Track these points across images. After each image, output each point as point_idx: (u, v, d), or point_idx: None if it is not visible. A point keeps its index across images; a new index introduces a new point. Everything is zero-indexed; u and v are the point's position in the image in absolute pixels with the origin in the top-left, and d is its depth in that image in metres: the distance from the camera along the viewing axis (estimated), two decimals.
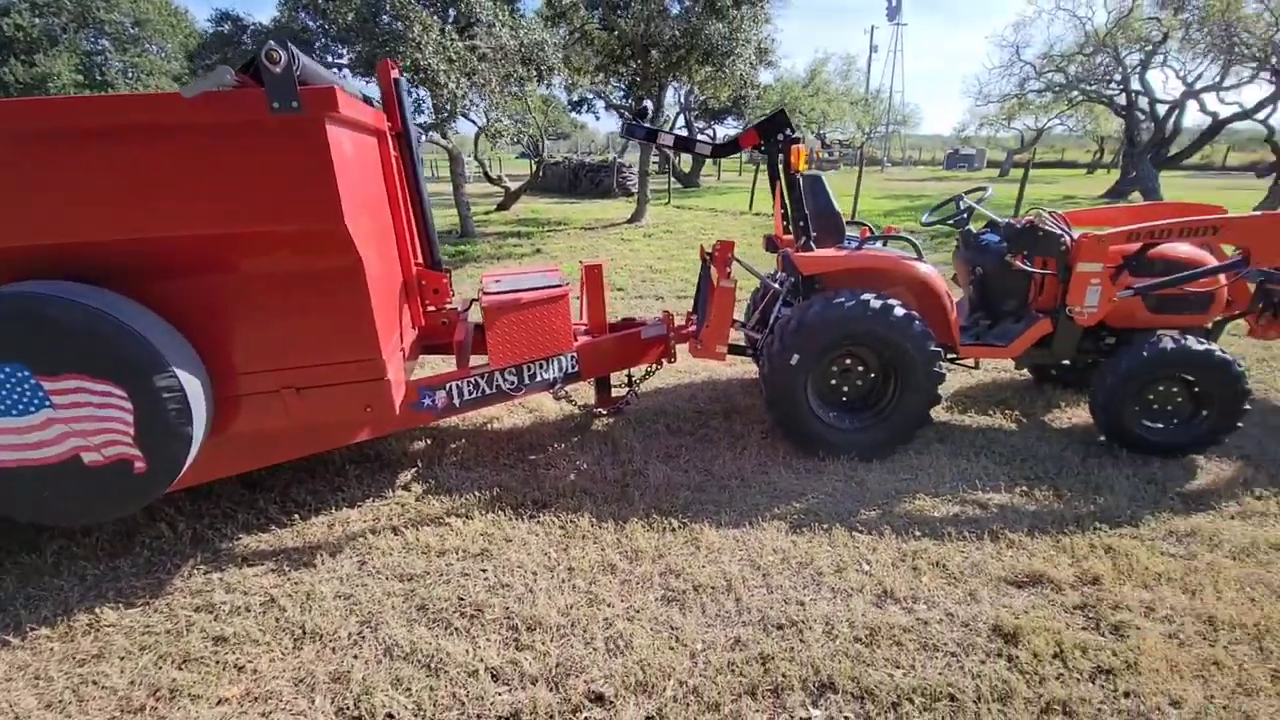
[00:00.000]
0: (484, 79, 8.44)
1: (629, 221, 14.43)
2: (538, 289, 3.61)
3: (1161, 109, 18.61)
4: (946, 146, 49.48)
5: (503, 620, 2.58)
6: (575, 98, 26.31)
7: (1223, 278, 3.88)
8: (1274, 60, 14.69)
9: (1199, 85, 17.66)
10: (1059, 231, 3.75)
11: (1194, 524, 3.14)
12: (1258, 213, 3.63)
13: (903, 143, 55.10)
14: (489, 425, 4.36)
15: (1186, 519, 3.19)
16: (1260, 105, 15.89)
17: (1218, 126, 17.95)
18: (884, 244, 4.00)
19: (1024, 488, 3.48)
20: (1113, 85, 19.38)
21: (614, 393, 4.43)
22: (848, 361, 3.85)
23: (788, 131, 3.66)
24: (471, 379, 3.57)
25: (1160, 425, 3.82)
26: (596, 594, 2.73)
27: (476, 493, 3.48)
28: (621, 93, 15.89)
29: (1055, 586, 2.73)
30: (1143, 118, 19.12)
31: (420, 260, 3.79)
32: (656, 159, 28.19)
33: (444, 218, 15.23)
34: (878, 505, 3.35)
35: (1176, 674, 2.27)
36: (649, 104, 5.51)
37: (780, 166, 3.86)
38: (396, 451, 3.97)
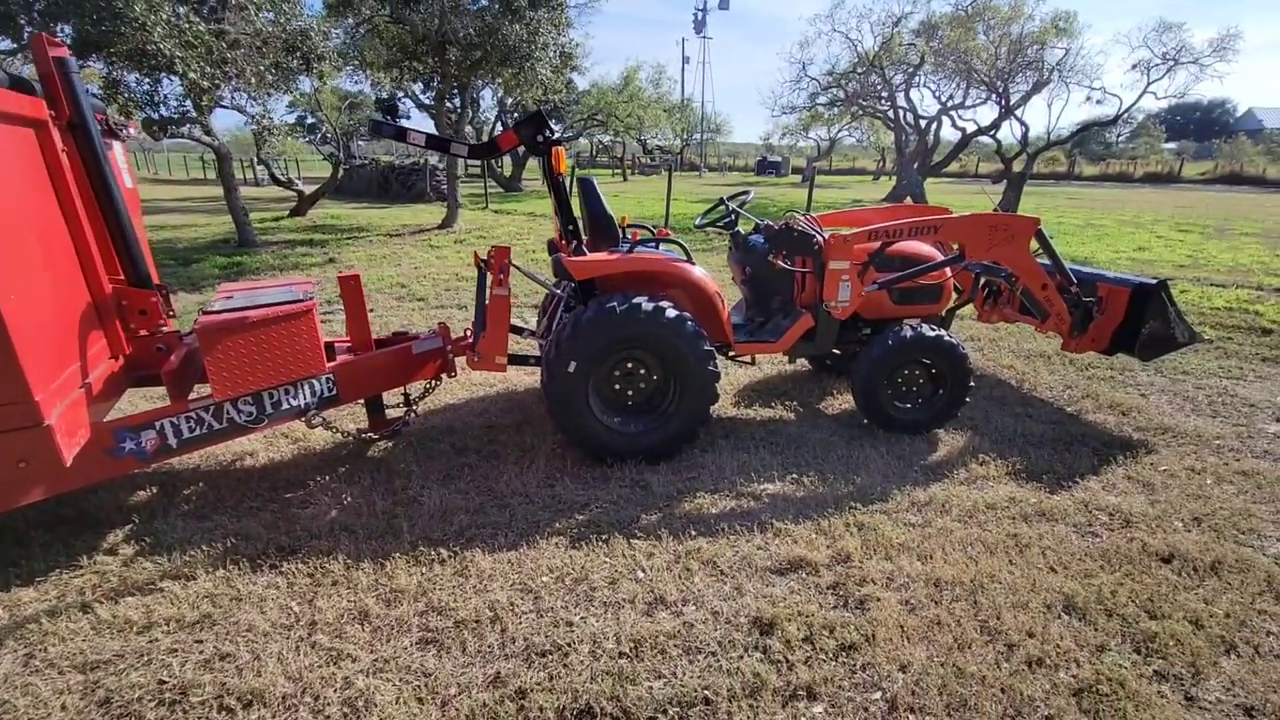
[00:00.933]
0: (237, 68, 7.43)
1: (439, 227, 13.74)
2: (274, 304, 3.15)
3: (924, 123, 21.44)
4: (759, 154, 53.44)
5: (212, 701, 2.16)
6: (383, 94, 24.77)
7: (948, 271, 4.39)
8: (999, 85, 17.47)
9: (949, 104, 20.57)
10: (811, 232, 4.00)
11: (931, 494, 3.47)
12: (968, 213, 4.12)
13: (718, 150, 58.58)
14: (238, 463, 3.78)
15: (925, 489, 3.52)
16: (993, 124, 18.81)
17: (965, 141, 21.02)
18: (657, 247, 4.02)
19: (794, 475, 3.66)
20: (883, 102, 21.93)
21: (390, 414, 4.05)
22: (629, 365, 3.82)
23: (546, 133, 3.54)
24: (192, 413, 3.03)
25: (908, 405, 4.23)
26: (341, 649, 2.39)
27: (206, 546, 2.95)
28: (426, 92, 15.09)
29: (813, 569, 2.85)
30: (909, 130, 21.88)
31: (121, 277, 3.17)
32: (475, 163, 27.33)
33: (218, 225, 13.50)
34: (659, 508, 3.33)
35: (906, 639, 2.44)
36: (402, 100, 5.14)
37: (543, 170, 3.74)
38: (107, 505, 3.29)
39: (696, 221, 4.51)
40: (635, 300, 3.56)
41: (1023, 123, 17.50)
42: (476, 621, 2.52)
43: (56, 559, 2.86)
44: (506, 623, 2.52)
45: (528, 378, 5.08)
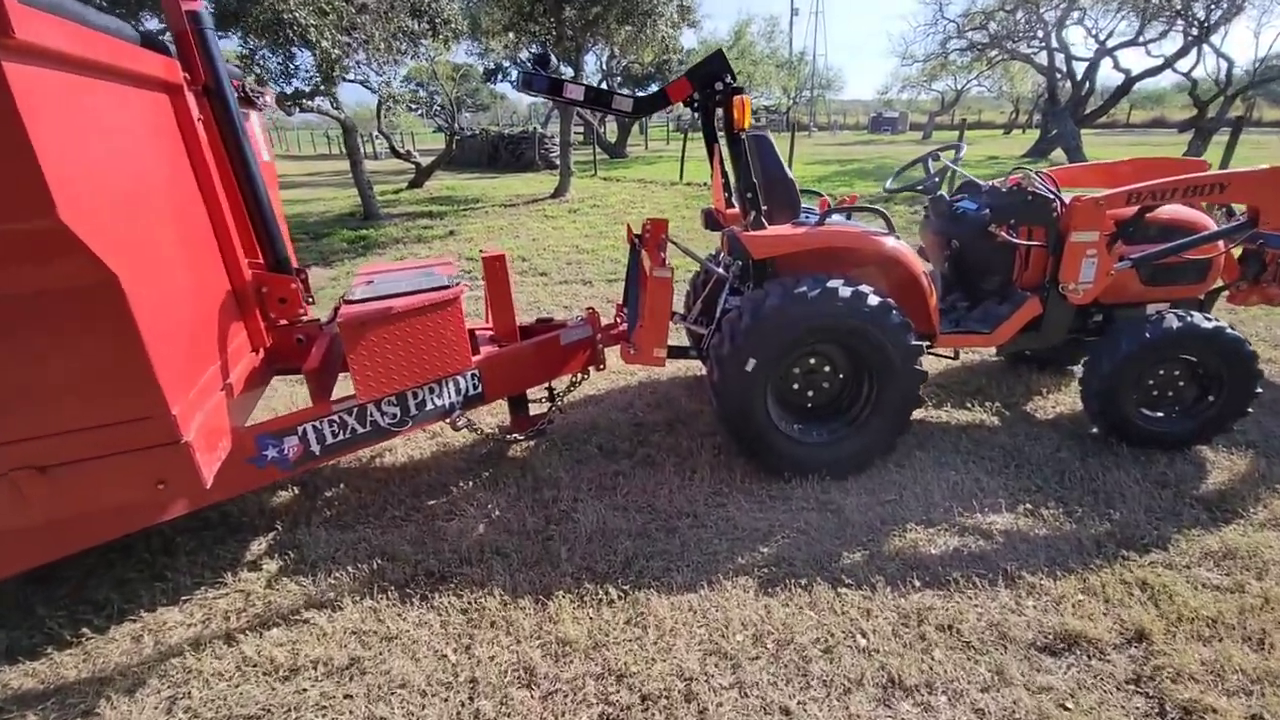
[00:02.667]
0: (366, 34, 7.23)
1: (552, 196, 13.43)
2: (419, 292, 2.76)
3: (1078, 66, 18.84)
4: (868, 111, 49.96)
5: None
6: (490, 65, 24.76)
7: (1222, 244, 3.40)
8: (1193, 10, 14.86)
9: (1111, 43, 17.90)
10: (1049, 195, 3.16)
11: (1226, 541, 2.64)
12: (1265, 166, 3.12)
13: (827, 107, 55.27)
14: (376, 461, 3.49)
15: (1216, 534, 2.69)
16: (1177, 55, 16.17)
17: (1129, 84, 18.29)
18: (847, 217, 3.32)
19: (1027, 505, 2.92)
20: (1034, 43, 19.46)
21: (533, 411, 3.63)
22: (812, 361, 3.18)
23: (727, 79, 2.91)
24: (335, 416, 2.70)
25: (1160, 414, 3.35)
26: None
27: (352, 567, 2.64)
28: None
29: (1097, 650, 2.15)
30: (1060, 76, 19.32)
31: (260, 261, 2.87)
32: (580, 128, 26.98)
33: (345, 199, 13.84)
34: (861, 543, 2.72)
35: None
36: (551, 51, 4.62)
37: (719, 124, 3.13)
38: (250, 508, 3.07)
39: (888, 185, 3.74)
40: (830, 284, 2.90)
41: (1224, 57, 14.86)
42: (666, 698, 2.03)
43: (201, 574, 2.63)
44: (705, 703, 2.01)
45: (670, 367, 4.55)
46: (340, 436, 2.73)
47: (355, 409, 2.72)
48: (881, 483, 3.14)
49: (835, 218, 3.18)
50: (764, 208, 3.09)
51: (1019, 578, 2.47)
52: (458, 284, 2.87)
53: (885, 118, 40.24)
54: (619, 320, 3.64)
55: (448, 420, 3.01)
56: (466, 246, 8.87)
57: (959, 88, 32.59)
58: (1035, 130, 26.71)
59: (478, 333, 3.48)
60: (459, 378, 2.98)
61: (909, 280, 3.14)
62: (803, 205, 3.33)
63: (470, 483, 3.25)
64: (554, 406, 3.56)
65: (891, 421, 3.12)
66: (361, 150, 10.87)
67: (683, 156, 17.18)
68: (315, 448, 2.68)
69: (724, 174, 3.59)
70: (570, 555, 2.69)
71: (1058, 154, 17.55)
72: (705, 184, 14.92)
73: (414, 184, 15.60)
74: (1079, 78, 18.87)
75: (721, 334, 3.06)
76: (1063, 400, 3.93)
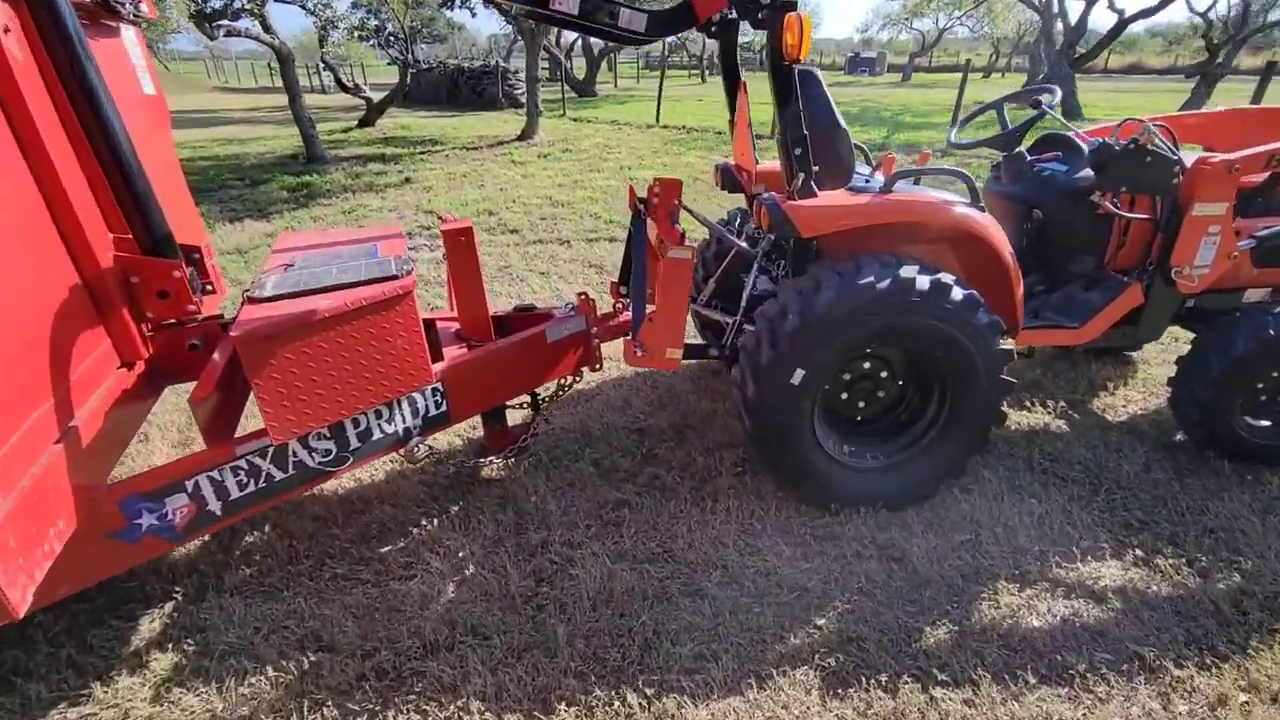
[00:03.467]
0: None
1: (519, 139, 12.29)
2: (354, 285, 1.99)
3: (1070, 6, 17.99)
4: (843, 50, 48.38)
5: None
6: None
7: None
8: None
9: None
10: (1171, 155, 2.49)
11: None
12: None
13: None
14: (313, 490, 2.75)
15: None
16: None
17: (1123, 25, 17.57)
18: (914, 181, 2.61)
19: (1136, 550, 2.36)
20: None
21: (511, 423, 2.92)
22: (865, 365, 2.53)
23: None
24: (242, 462, 1.96)
25: (1268, 423, 2.81)
26: None
27: (276, 665, 1.95)
28: None
29: None
30: (1054, 15, 18.48)
31: (131, 238, 2.05)
32: (546, 62, 25.18)
33: (287, 138, 12.47)
34: (945, 610, 2.13)
35: None
36: None
37: (760, 56, 2.35)
38: (145, 565, 2.33)
39: (952, 137, 3.02)
40: (904, 272, 2.22)
41: None
42: None
43: (64, 677, 1.91)
44: None
45: None
46: (251, 487, 1.99)
47: (271, 450, 1.98)
48: (948, 516, 2.55)
49: (902, 184, 2.46)
50: (814, 168, 2.35)
51: (1160, 668, 1.91)
52: (409, 270, 2.10)
53: (863, 58, 38.88)
54: (619, 308, 2.91)
55: (402, 452, 2.29)
56: (424, 197, 7.88)
57: (940, 26, 31.51)
58: (1017, 75, 25.99)
59: (439, 325, 2.73)
60: (416, 395, 2.25)
61: (994, 265, 2.47)
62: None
63: (435, 521, 2.55)
64: (538, 417, 2.86)
65: (966, 441, 2.51)
66: (300, 85, 9.59)
67: (659, 96, 16.03)
68: (214, 506, 1.94)
69: (750, 120, 2.83)
70: (570, 636, 2.04)
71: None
72: (684, 127, 13.92)
73: (364, 122, 14.20)
74: (1072, 17, 18.06)
75: (757, 333, 2.37)
76: (1132, 397, 3.37)
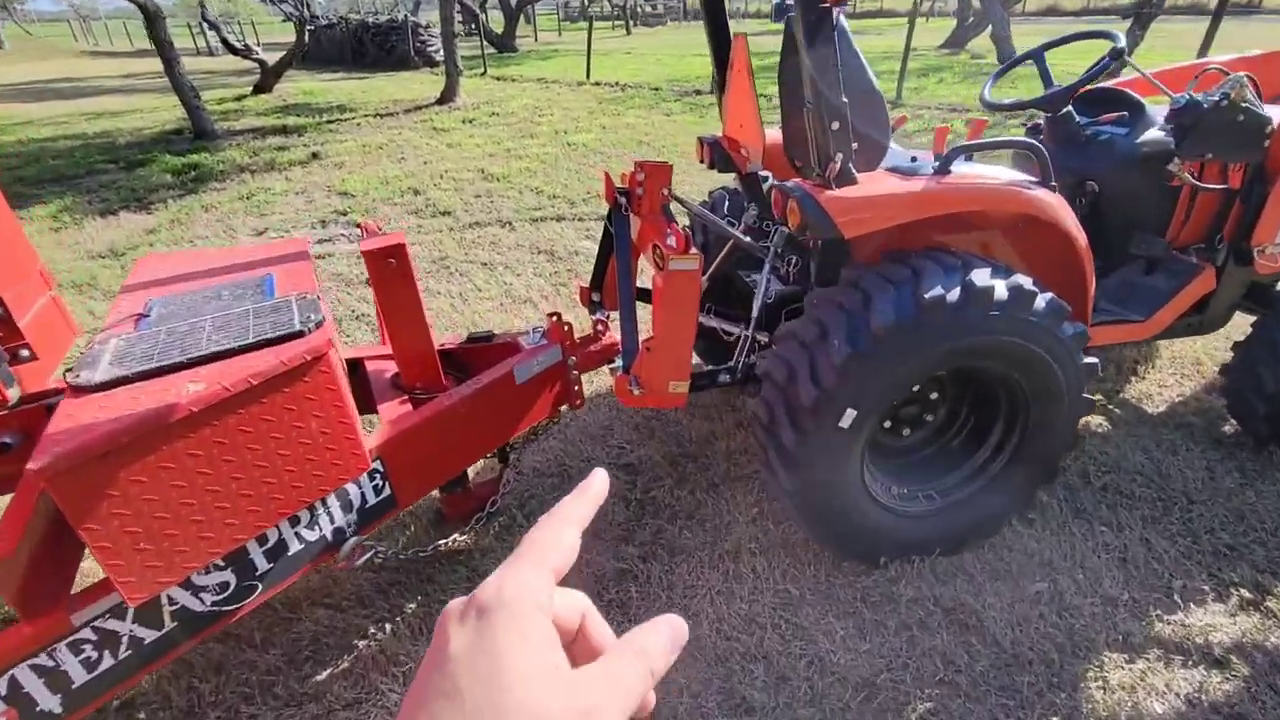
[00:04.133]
0: None
1: (439, 102, 11.19)
2: (235, 352, 1.34)
3: None
4: None
5: None
6: None
7: None
8: None
9: None
10: (1264, 115, 2.07)
11: None
12: None
13: None
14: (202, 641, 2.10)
15: None
16: None
17: None
18: (968, 158, 2.10)
19: (1241, 591, 2.01)
20: None
21: (474, 481, 2.32)
22: (914, 389, 2.06)
23: None
24: (88, 633, 1.31)
25: None
26: None
27: None
28: None
29: None
30: None
31: None
32: (460, 15, 23.42)
33: (170, 110, 10.95)
34: (1050, 703, 1.71)
35: None
36: None
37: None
38: None
39: (985, 93, 2.50)
40: (975, 279, 1.73)
41: None
42: None
43: None
44: None
45: None
46: (108, 662, 1.35)
47: (130, 609, 1.34)
48: (1014, 558, 2.14)
49: (958, 164, 1.95)
50: (854, 146, 1.81)
51: None
52: (319, 321, 1.46)
53: (789, 4, 37.96)
54: (599, 332, 2.32)
55: (334, 564, 1.68)
56: (336, 175, 6.93)
57: None
58: (944, 20, 25.89)
59: (368, 367, 2.09)
60: (346, 488, 1.63)
61: (1067, 258, 2.01)
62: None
63: (387, 627, 1.97)
64: (507, 470, 2.27)
65: (1038, 471, 2.09)
66: (176, 47, 8.25)
67: (589, 50, 14.99)
68: (50, 704, 1.29)
69: (753, 86, 2.24)
70: None
71: (979, 43, 16.73)
72: (618, 84, 13.04)
73: (260, 88, 12.67)
74: None
75: (788, 362, 1.85)
76: (1165, 381, 3.06)
